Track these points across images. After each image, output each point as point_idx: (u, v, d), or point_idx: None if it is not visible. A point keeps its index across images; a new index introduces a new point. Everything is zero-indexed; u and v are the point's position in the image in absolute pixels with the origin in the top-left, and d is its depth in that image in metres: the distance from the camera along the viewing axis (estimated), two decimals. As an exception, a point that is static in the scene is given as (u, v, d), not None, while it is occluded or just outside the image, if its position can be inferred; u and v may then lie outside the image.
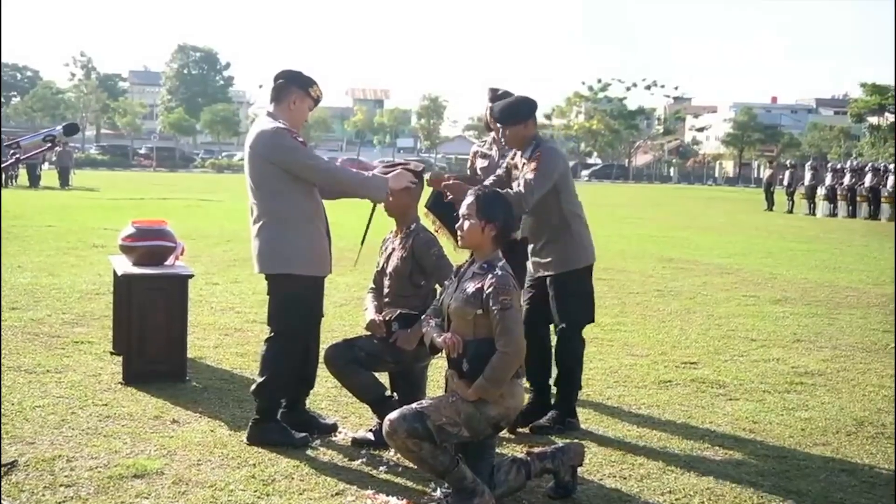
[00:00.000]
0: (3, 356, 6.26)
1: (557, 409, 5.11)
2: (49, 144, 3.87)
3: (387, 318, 4.72)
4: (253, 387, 4.77)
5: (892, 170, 29.13)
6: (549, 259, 5.12)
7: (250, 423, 4.73)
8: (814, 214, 30.62)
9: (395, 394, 4.81)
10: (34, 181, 31.79)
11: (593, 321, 5.36)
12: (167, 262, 6.16)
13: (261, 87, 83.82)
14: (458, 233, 3.90)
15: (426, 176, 4.98)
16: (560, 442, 4.76)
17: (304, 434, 4.71)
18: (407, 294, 4.72)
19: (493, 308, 3.67)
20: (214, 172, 59.83)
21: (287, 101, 4.74)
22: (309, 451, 4.60)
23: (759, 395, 6.00)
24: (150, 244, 6.08)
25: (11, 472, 4.13)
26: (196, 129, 78.22)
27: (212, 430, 4.89)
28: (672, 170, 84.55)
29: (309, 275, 4.69)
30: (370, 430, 4.77)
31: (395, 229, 4.86)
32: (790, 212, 31.38)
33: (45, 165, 37.24)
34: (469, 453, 3.86)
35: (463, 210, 3.87)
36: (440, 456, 3.71)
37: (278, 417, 4.76)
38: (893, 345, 7.62)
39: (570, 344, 5.15)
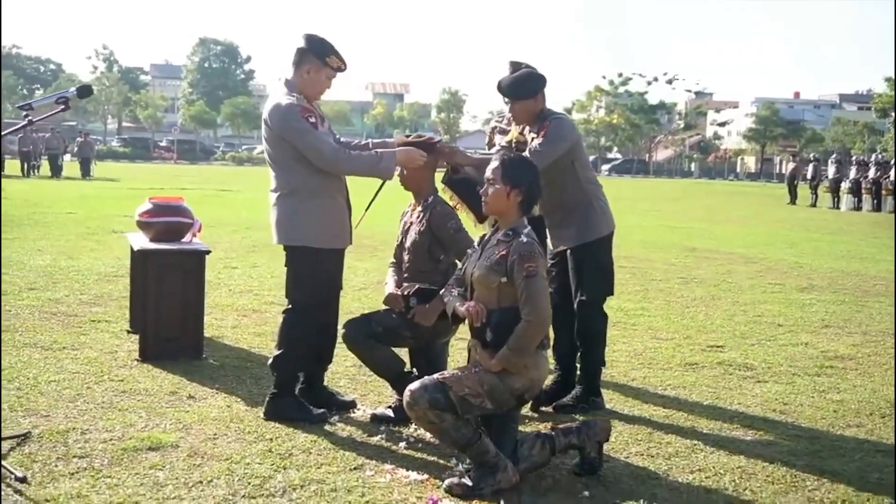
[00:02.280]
0: (19, 334, 6.20)
1: (581, 386, 4.98)
2: (62, 107, 3.77)
3: (405, 293, 4.60)
4: (270, 360, 4.67)
5: (919, 163, 28.74)
6: (569, 231, 4.98)
7: (267, 398, 4.62)
8: (838, 208, 30.26)
9: (414, 370, 4.69)
10: (56, 171, 31.92)
11: (612, 294, 5.21)
12: (184, 239, 6.07)
13: (280, 79, 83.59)
14: (483, 198, 3.77)
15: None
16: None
17: (322, 410, 4.61)
18: (426, 269, 4.60)
19: (518, 276, 3.55)
20: (234, 165, 59.88)
21: (303, 69, 4.61)
22: (327, 427, 4.49)
23: (789, 377, 5.84)
24: (167, 220, 6.00)
25: (25, 443, 4.04)
26: (217, 123, 78.39)
27: (228, 406, 4.80)
28: (693, 165, 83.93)
29: (327, 247, 4.58)
30: (389, 407, 4.66)
31: (413, 202, 4.73)
32: (814, 205, 31.02)
33: (67, 157, 37.36)
34: (492, 427, 3.74)
35: (488, 174, 3.74)
36: (462, 428, 3.59)
37: (296, 393, 4.66)
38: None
39: (591, 317, 5.00)
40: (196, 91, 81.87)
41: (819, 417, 4.97)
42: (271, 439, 4.27)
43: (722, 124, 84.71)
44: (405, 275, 4.68)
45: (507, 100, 5.00)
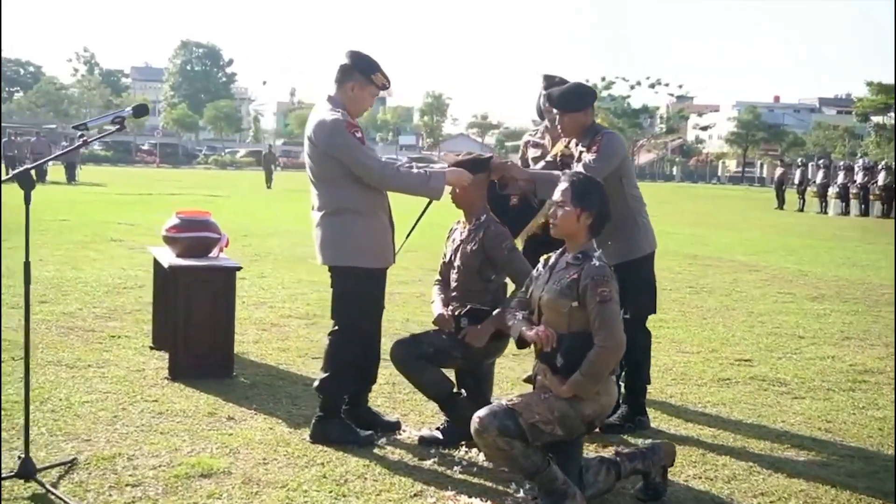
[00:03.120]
0: (41, 350, 6.07)
1: (627, 405, 4.92)
2: (118, 126, 3.67)
3: (456, 314, 4.52)
4: (316, 382, 4.58)
5: (906, 168, 29.01)
6: (614, 247, 4.92)
7: (314, 421, 4.53)
8: (825, 213, 30.46)
9: (462, 390, 4.62)
10: (41, 176, 31.55)
11: (655, 312, 5.17)
12: (211, 254, 5.97)
13: (265, 83, 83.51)
14: (551, 221, 3.69)
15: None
16: (637, 442, 4.59)
17: (369, 432, 4.53)
18: (476, 288, 4.52)
19: (591, 300, 3.48)
20: (218, 169, 59.58)
21: (347, 86, 4.52)
22: (376, 450, 4.40)
23: (825, 393, 5.81)
24: (195, 235, 5.89)
25: (73, 470, 3.94)
26: (199, 126, 77.97)
27: (270, 428, 4.70)
28: (675, 168, 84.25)
29: (373, 267, 4.50)
30: (437, 429, 4.59)
31: (463, 220, 4.65)
32: (801, 210, 31.20)
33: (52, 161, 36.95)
34: (558, 453, 3.67)
35: (557, 197, 3.67)
36: (532, 455, 3.52)
37: (342, 415, 4.57)
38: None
39: (636, 336, 4.94)
40: (178, 94, 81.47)
41: (865, 436, 4.93)
42: (323, 464, 4.18)
43: (704, 128, 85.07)
44: (454, 294, 4.60)
45: (556, 111, 4.95)
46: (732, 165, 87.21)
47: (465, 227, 4.61)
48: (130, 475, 3.92)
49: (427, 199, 4.63)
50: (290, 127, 79.54)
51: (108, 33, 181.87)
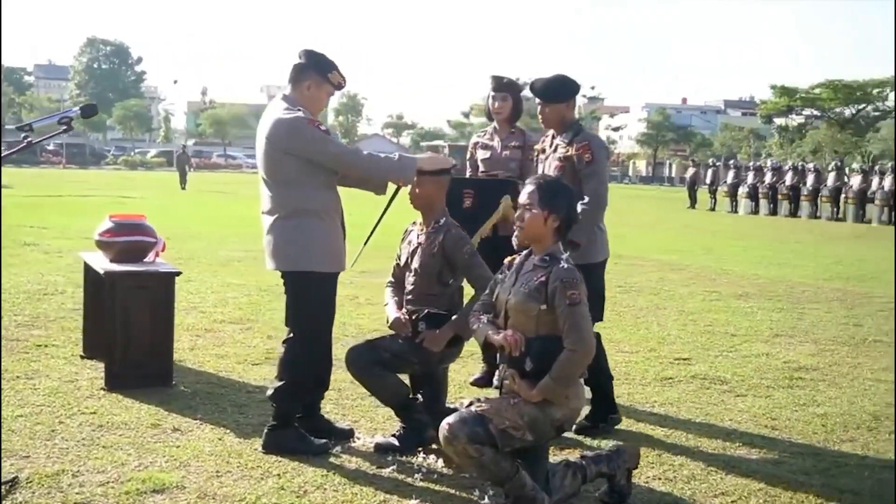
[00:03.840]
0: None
1: (595, 405, 4.90)
2: (65, 127, 3.48)
3: (413, 318, 4.44)
4: (270, 391, 4.43)
5: (812, 168, 30.05)
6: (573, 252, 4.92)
7: (266, 430, 4.39)
8: (736, 212, 31.31)
9: (418, 396, 4.54)
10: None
11: (602, 320, 5.18)
12: (147, 259, 5.77)
13: (175, 82, 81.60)
14: (517, 224, 3.64)
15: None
16: (594, 444, 4.59)
17: (323, 441, 4.41)
18: (434, 292, 4.44)
19: (561, 303, 3.44)
20: (128, 169, 58.04)
21: (303, 85, 4.41)
22: (332, 459, 4.29)
23: (765, 390, 5.91)
24: (130, 239, 5.69)
25: (15, 489, 3.73)
26: (107, 125, 75.88)
27: (219, 439, 4.54)
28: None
29: (330, 271, 4.38)
30: (393, 436, 4.50)
31: (420, 221, 4.57)
32: (713, 209, 32.04)
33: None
34: (525, 458, 3.62)
35: (523, 199, 3.62)
36: (502, 462, 3.47)
37: (295, 424, 4.44)
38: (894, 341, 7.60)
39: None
40: (84, 93, 79.16)
41: (811, 432, 5.03)
42: (279, 475, 4.05)
43: (616, 129, 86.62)
44: (409, 297, 4.52)
45: (538, 102, 4.96)
46: (643, 166, 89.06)
47: (422, 229, 4.53)
48: (78, 493, 3.73)
49: (392, 191, 4.53)
50: (203, 127, 77.97)
51: (8, 29, 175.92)
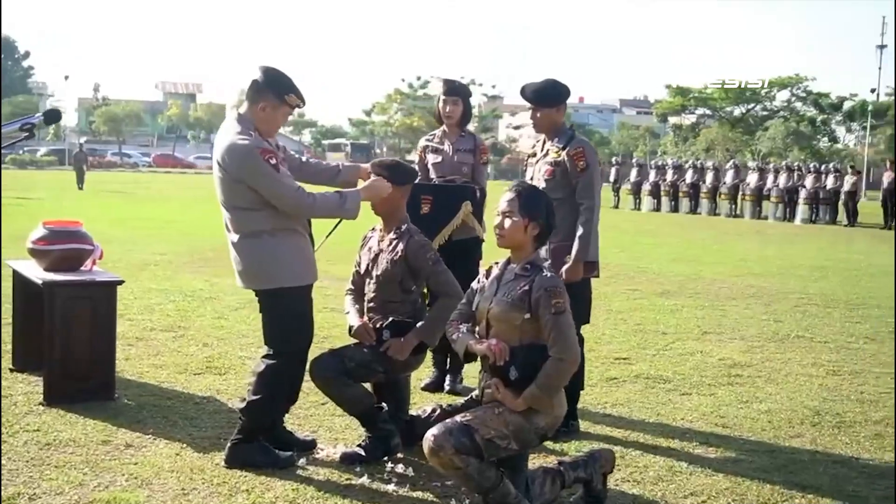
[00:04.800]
0: None
1: None
2: (27, 133, 3.31)
3: (377, 326, 4.38)
4: (242, 404, 4.28)
5: (712, 167, 31.03)
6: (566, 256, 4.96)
7: (229, 445, 4.27)
8: (639, 209, 32.01)
9: (383, 405, 4.49)
10: None
11: (589, 322, 5.20)
12: (83, 267, 5.54)
13: (67, 78, 78.88)
14: (497, 231, 3.62)
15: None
16: (562, 448, 4.61)
17: (289, 454, 4.31)
18: (396, 299, 4.40)
19: (545, 312, 3.44)
20: (16, 168, 55.67)
21: (258, 106, 4.22)
22: (300, 472, 4.20)
23: (707, 388, 6.05)
24: (67, 247, 5.44)
25: (-29, 516, 3.53)
26: (-8, 122, 72.77)
27: (177, 454, 4.39)
28: (489, 167, 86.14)
29: (303, 284, 4.27)
30: (359, 445, 4.43)
31: (380, 227, 4.51)
32: (616, 207, 32.66)
33: None
34: (506, 466, 3.61)
35: (502, 206, 3.61)
36: (487, 471, 3.45)
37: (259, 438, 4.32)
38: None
39: None
40: (-34, 88, 75.65)
41: (759, 429, 5.17)
42: (248, 490, 3.95)
43: (516, 127, 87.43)
44: (370, 304, 4.46)
45: (530, 106, 4.95)
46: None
47: (382, 236, 4.47)
48: (40, 517, 3.56)
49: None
50: (97, 124, 75.54)
51: None
